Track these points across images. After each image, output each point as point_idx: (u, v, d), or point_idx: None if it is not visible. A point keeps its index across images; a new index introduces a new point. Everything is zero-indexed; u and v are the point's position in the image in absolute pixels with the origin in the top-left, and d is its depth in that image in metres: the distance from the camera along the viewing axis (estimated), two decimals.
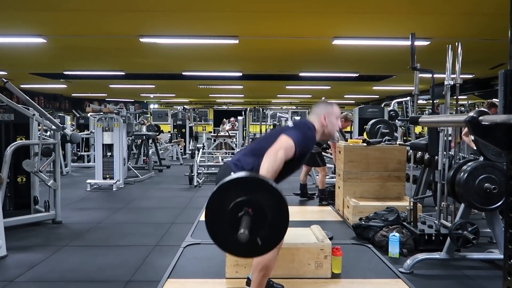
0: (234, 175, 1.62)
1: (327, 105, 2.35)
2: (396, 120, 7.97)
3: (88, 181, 6.70)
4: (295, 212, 4.93)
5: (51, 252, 3.46)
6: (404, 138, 9.86)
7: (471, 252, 3.21)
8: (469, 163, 3.08)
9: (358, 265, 3.18)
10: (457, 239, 3.04)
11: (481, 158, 3.19)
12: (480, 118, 1.12)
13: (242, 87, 14.73)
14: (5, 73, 10.82)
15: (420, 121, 1.75)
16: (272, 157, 1.91)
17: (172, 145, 12.21)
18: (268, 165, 1.89)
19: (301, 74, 11.03)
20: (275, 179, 1.91)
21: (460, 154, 4.63)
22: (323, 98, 10.80)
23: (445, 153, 3.55)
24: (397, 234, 3.38)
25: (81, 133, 9.76)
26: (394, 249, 3.35)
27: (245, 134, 11.26)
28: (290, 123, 2.35)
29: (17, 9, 5.02)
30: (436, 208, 3.58)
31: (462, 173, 3.03)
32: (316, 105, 2.39)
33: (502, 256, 3.02)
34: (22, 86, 13.39)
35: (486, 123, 1.11)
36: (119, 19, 5.55)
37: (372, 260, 3.30)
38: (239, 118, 11.01)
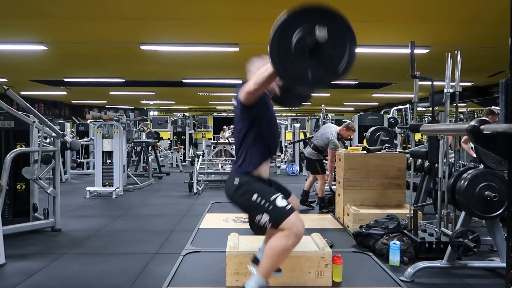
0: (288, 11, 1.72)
1: (260, 59, 2.37)
2: (396, 128, 7.98)
3: (88, 188, 6.68)
4: None
5: (50, 260, 3.44)
6: (404, 145, 9.87)
7: (472, 260, 3.20)
8: (469, 171, 3.08)
9: (359, 273, 3.16)
10: (458, 247, 3.03)
11: (481, 166, 3.19)
12: (482, 127, 1.12)
13: None
14: (6, 80, 10.86)
15: (421, 129, 1.75)
16: (257, 75, 1.98)
17: (171, 152, 12.21)
18: (255, 79, 1.97)
19: None
20: (262, 142, 2.19)
21: (460, 161, 4.63)
22: (322, 105, 10.82)
23: (445, 160, 3.55)
24: (397, 242, 3.37)
25: (81, 140, 9.75)
26: (394, 257, 3.33)
27: None
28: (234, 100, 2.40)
29: (19, 17, 5.06)
30: (437, 216, 3.57)
31: (463, 181, 3.03)
32: (249, 63, 2.42)
33: (503, 265, 3.01)
34: (22, 93, 13.42)
35: (487, 132, 1.11)
36: (120, 26, 5.59)
37: (372, 268, 3.29)
38: None
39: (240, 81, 2.33)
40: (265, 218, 2.09)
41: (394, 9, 4.74)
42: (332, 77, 1.71)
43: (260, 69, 1.94)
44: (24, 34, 5.98)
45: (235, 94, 2.26)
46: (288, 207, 2.11)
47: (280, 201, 2.11)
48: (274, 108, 2.44)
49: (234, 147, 2.45)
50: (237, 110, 2.27)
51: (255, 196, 2.13)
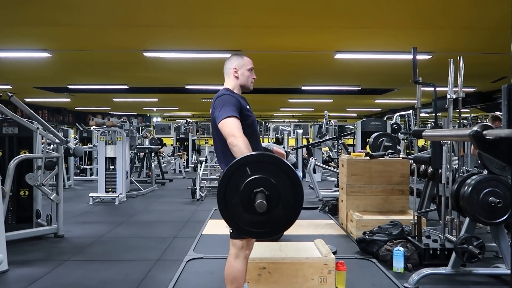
0: (242, 155, 1.67)
1: (237, 57, 2.32)
2: (399, 133, 7.97)
3: (91, 194, 6.69)
4: (298, 226, 4.90)
5: (53, 266, 3.44)
6: (407, 151, 9.84)
7: (477, 267, 3.17)
8: (473, 177, 3.07)
9: (362, 280, 3.14)
10: (462, 253, 3.00)
11: (485, 172, 3.17)
12: (484, 132, 1.12)
13: None
14: (10, 87, 10.93)
15: (423, 135, 1.75)
16: (234, 143, 1.90)
17: (174, 159, 12.22)
18: (239, 151, 1.86)
19: (303, 88, 11.09)
20: (253, 147, 1.98)
21: (464, 167, 4.61)
22: (325, 111, 10.83)
23: (448, 166, 3.54)
24: (401, 249, 3.35)
25: (84, 147, 9.80)
26: (398, 264, 3.31)
27: None
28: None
29: (23, 25, 5.10)
30: (441, 222, 3.55)
31: (466, 187, 3.01)
32: (227, 60, 2.34)
33: (508, 271, 2.98)
34: (26, 99, 13.50)
35: (490, 138, 1.10)
36: (124, 34, 5.62)
37: (376, 275, 3.26)
38: None
39: (220, 91, 2.26)
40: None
41: (394, 15, 4.75)
42: (270, 234, 1.70)
43: (242, 147, 1.86)
44: (28, 41, 6.03)
45: (213, 104, 2.18)
46: None
47: None
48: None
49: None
50: (214, 120, 2.17)
51: None
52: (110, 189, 6.80)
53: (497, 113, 5.28)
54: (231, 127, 1.96)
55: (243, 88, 2.34)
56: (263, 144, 2.61)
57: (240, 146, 1.88)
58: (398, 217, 4.21)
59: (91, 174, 10.25)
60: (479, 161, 3.60)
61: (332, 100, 14.15)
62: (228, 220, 1.65)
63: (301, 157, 10.66)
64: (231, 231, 2.16)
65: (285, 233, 4.18)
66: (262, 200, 1.50)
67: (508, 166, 2.82)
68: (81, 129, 11.75)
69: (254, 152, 1.75)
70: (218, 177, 8.65)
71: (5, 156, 4.39)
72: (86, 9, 4.56)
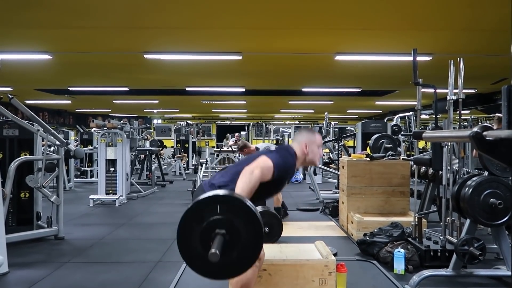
0: (208, 193, 1.60)
1: (309, 133, 2.34)
2: (399, 135, 7.96)
3: (91, 196, 6.69)
4: (299, 228, 4.90)
5: (53, 268, 3.44)
6: (408, 152, 9.83)
7: (478, 268, 3.16)
8: (474, 178, 3.06)
9: (363, 282, 3.13)
10: (463, 255, 3.00)
11: (486, 173, 3.17)
12: (484, 133, 1.12)
13: (245, 102, 14.81)
14: (11, 89, 10.94)
15: (423, 136, 1.75)
16: (247, 175, 1.88)
17: (175, 160, 12.22)
18: (243, 184, 1.85)
19: (303, 90, 11.10)
20: (250, 199, 1.80)
21: (464, 168, 4.60)
22: (325, 113, 10.84)
23: (449, 167, 3.53)
24: (402, 250, 3.34)
25: (85, 149, 9.80)
26: (399, 266, 3.30)
27: None
28: (272, 147, 2.35)
29: (24, 27, 5.11)
30: (441, 223, 3.54)
31: (467, 188, 3.01)
32: (298, 132, 2.38)
33: (509, 273, 2.98)
34: (27, 101, 13.51)
35: (491, 139, 1.10)
36: (124, 36, 5.64)
37: (377, 276, 3.26)
38: (242, 133, 11.04)
39: (292, 149, 2.25)
40: None
41: (394, 17, 4.76)
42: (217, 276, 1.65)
43: (249, 185, 1.85)
44: (29, 43, 6.04)
45: (278, 148, 2.23)
46: None
47: None
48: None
49: (237, 155, 2.35)
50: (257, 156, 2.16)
51: None
52: (110, 191, 6.80)
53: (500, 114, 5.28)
54: (264, 166, 1.95)
55: (308, 163, 2.33)
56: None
57: (250, 181, 1.86)
58: (399, 219, 4.20)
59: (92, 176, 10.24)
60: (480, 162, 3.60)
61: (332, 102, 14.16)
62: (181, 248, 1.59)
63: None
64: None
65: (285, 235, 4.18)
66: (217, 249, 1.42)
67: (508, 167, 2.82)
68: (82, 131, 11.75)
69: (236, 194, 1.68)
70: None
71: (5, 158, 4.39)
72: (87, 11, 4.57)
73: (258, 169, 1.92)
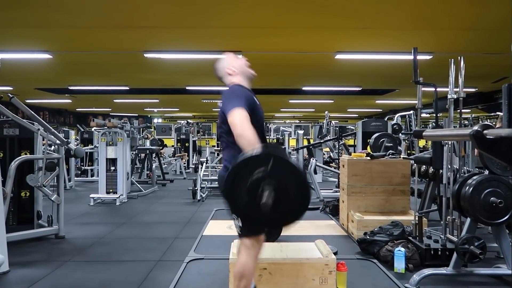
0: (252, 151, 1.68)
1: (218, 62, 2.34)
2: (400, 134, 7.95)
3: (92, 195, 6.70)
4: (299, 227, 4.88)
5: (54, 267, 3.44)
6: (408, 151, 9.83)
7: (478, 267, 3.16)
8: (474, 177, 3.06)
9: (363, 280, 3.13)
10: (463, 254, 3.00)
11: (486, 172, 3.16)
12: (485, 132, 1.12)
13: None
14: (11, 88, 10.94)
15: (424, 135, 1.75)
16: (243, 135, 1.87)
17: (175, 159, 12.23)
18: (247, 143, 1.84)
19: (304, 88, 11.09)
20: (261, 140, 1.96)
21: (465, 167, 4.60)
22: (326, 112, 10.83)
23: (449, 166, 3.53)
24: (402, 249, 3.34)
25: (85, 148, 9.80)
26: (399, 264, 3.30)
27: None
28: (219, 103, 2.34)
29: (24, 26, 5.11)
30: (442, 222, 3.54)
31: (467, 187, 3.01)
32: (214, 72, 2.37)
33: (510, 272, 2.98)
34: (27, 101, 13.52)
35: (491, 137, 1.10)
36: (124, 35, 5.63)
37: (377, 275, 3.26)
38: None
39: (226, 88, 2.24)
40: (237, 223, 2.13)
41: (395, 16, 4.75)
42: (283, 224, 1.77)
43: (252, 138, 1.85)
44: (29, 43, 6.04)
45: (221, 102, 2.17)
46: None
47: None
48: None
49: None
50: (223, 115, 2.16)
51: None
52: (111, 190, 6.80)
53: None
54: (240, 118, 1.92)
55: (245, 78, 2.31)
56: None
57: (249, 136, 1.85)
58: (399, 218, 4.21)
59: (92, 175, 10.25)
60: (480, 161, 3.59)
61: (332, 101, 14.15)
62: (229, 201, 1.67)
63: (302, 157, 10.65)
64: (239, 231, 2.15)
65: (285, 233, 4.18)
66: (269, 198, 1.52)
67: (509, 166, 2.81)
68: (82, 130, 11.76)
69: (275, 146, 1.77)
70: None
71: (6, 157, 4.39)
72: (86, 10, 4.56)
73: (240, 122, 1.91)
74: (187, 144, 13.31)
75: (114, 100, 14.28)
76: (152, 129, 16.93)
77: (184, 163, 12.39)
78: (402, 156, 5.02)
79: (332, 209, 5.69)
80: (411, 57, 3.65)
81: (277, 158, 1.64)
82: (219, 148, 10.24)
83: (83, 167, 10.26)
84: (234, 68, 2.28)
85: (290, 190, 1.60)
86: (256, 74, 2.38)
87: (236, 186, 1.63)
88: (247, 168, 1.62)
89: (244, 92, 2.14)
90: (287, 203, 1.61)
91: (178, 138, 13.59)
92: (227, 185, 1.65)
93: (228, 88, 2.21)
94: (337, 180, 7.48)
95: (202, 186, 7.35)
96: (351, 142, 11.82)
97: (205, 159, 8.41)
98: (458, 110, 3.53)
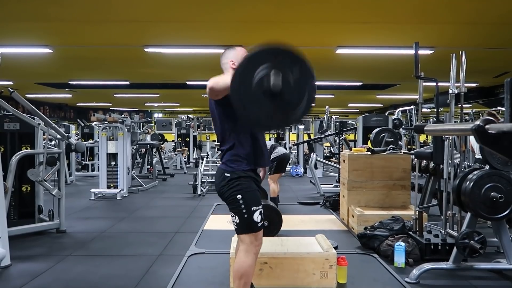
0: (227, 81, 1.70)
1: (230, 49, 2.31)
2: (401, 129, 7.94)
3: (92, 190, 6.71)
4: (299, 222, 4.90)
5: (55, 261, 3.46)
6: (409, 146, 9.82)
7: (478, 262, 3.17)
8: (475, 172, 3.06)
9: (363, 275, 3.14)
10: (463, 248, 3.00)
11: (487, 167, 3.16)
12: (487, 126, 1.11)
13: None
14: (11, 82, 10.93)
15: (425, 130, 1.74)
16: (215, 80, 1.92)
17: (176, 154, 12.23)
18: (222, 80, 1.88)
19: None
20: (258, 149, 2.11)
21: (466, 162, 4.60)
22: (326, 107, 10.81)
23: (450, 161, 3.53)
24: (402, 244, 3.35)
25: (86, 142, 9.80)
26: (400, 259, 3.31)
27: None
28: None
29: (24, 20, 5.09)
30: (442, 217, 3.55)
31: (468, 182, 3.00)
32: (221, 56, 2.35)
33: (510, 266, 2.99)
34: (27, 95, 13.51)
35: (493, 132, 1.10)
36: (124, 29, 5.61)
37: (377, 270, 3.27)
38: None
39: None
40: (234, 220, 2.15)
41: (396, 10, 4.72)
42: (289, 121, 1.75)
43: (225, 76, 1.88)
44: (30, 37, 6.02)
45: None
46: (260, 224, 2.15)
47: (257, 217, 2.13)
48: None
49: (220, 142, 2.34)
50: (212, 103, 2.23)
51: (239, 196, 2.12)
52: (111, 185, 6.81)
53: (493, 110, 5.27)
54: (213, 80, 1.95)
55: None
56: None
57: (220, 79, 1.89)
58: (400, 213, 4.21)
59: (93, 170, 10.26)
60: (481, 156, 3.59)
61: (333, 96, 14.13)
62: (238, 103, 1.67)
63: (302, 152, 10.65)
64: (236, 227, 2.16)
65: (286, 228, 4.19)
66: (278, 79, 1.55)
67: (510, 161, 2.81)
68: (83, 124, 11.76)
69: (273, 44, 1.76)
70: None
71: (7, 152, 4.39)
72: (86, 4, 4.55)
73: (213, 79, 1.94)
74: (187, 139, 13.31)
75: (115, 95, 14.26)
76: (153, 124, 16.92)
77: (185, 158, 12.40)
78: (402, 151, 5.01)
79: (332, 204, 5.70)
80: (412, 51, 3.64)
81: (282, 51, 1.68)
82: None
83: (83, 162, 10.27)
84: (233, 61, 2.26)
85: (295, 84, 1.64)
86: None
87: (242, 83, 1.65)
88: (252, 64, 1.64)
89: None
90: (293, 96, 1.64)
91: (179, 133, 13.59)
92: (234, 84, 1.65)
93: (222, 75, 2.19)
94: (337, 175, 7.49)
95: (202, 181, 7.35)
96: (351, 137, 11.81)
97: (206, 154, 8.41)
98: (459, 105, 3.52)
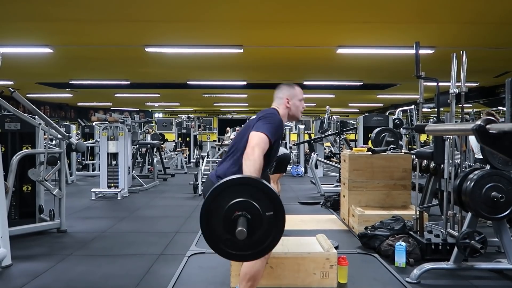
0: (227, 178, 1.60)
1: (289, 87, 2.33)
2: (401, 129, 7.94)
3: (93, 190, 6.71)
4: (300, 221, 4.90)
5: (56, 261, 3.46)
6: (409, 146, 9.81)
7: (479, 262, 3.17)
8: (476, 172, 3.06)
9: (364, 275, 3.14)
10: (464, 248, 3.00)
11: (488, 167, 3.16)
12: (488, 126, 1.11)
13: (246, 95, 14.78)
14: (12, 82, 10.94)
15: (426, 130, 1.74)
16: (251, 159, 1.89)
17: (176, 154, 12.23)
18: (249, 167, 1.86)
19: (305, 83, 11.07)
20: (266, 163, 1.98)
21: (466, 162, 4.60)
22: (327, 106, 10.81)
23: (450, 161, 3.53)
24: (403, 243, 3.35)
25: (86, 142, 9.80)
26: (400, 259, 3.31)
27: None
28: (253, 116, 2.33)
29: (25, 20, 5.10)
30: (443, 217, 3.54)
31: (469, 182, 3.00)
32: (277, 89, 2.36)
33: (510, 266, 2.99)
34: (28, 95, 13.52)
35: (494, 132, 1.10)
36: (125, 29, 5.61)
37: (378, 269, 3.27)
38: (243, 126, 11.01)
39: (272, 108, 2.25)
40: None
41: (397, 9, 4.72)
42: (249, 257, 1.66)
43: (254, 166, 1.86)
44: (30, 37, 6.03)
45: (260, 115, 2.19)
46: None
47: None
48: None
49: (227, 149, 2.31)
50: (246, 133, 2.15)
51: None
52: (112, 185, 6.81)
53: (492, 109, 5.27)
54: (259, 143, 1.95)
55: (291, 118, 2.37)
56: None
57: (254, 163, 1.87)
58: (400, 212, 4.21)
59: (94, 170, 10.26)
60: (482, 156, 3.59)
61: (334, 95, 14.13)
62: (209, 242, 1.60)
63: (303, 152, 10.65)
64: None
65: (287, 228, 4.19)
66: (242, 227, 1.46)
67: (511, 161, 2.81)
68: (83, 124, 11.76)
69: (243, 175, 1.71)
70: None
71: (7, 152, 4.39)
72: (87, 4, 4.55)
73: (257, 147, 1.92)
74: (188, 139, 13.31)
75: (115, 95, 14.28)
76: (153, 124, 16.90)
77: (185, 158, 12.39)
78: (403, 151, 5.01)
79: (333, 204, 5.70)
80: (413, 51, 3.64)
81: (252, 185, 1.58)
82: (220, 143, 10.25)
83: (84, 162, 10.28)
84: (292, 105, 2.31)
85: (264, 218, 1.54)
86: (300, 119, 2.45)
87: (211, 217, 1.57)
88: (221, 196, 1.56)
89: (281, 127, 2.18)
90: (261, 231, 1.55)
91: (179, 132, 13.58)
92: (209, 198, 1.57)
93: (272, 111, 2.24)
94: (338, 174, 7.48)
95: (203, 180, 7.35)
96: (352, 137, 11.80)
97: (206, 154, 8.41)
98: (460, 105, 3.52)
